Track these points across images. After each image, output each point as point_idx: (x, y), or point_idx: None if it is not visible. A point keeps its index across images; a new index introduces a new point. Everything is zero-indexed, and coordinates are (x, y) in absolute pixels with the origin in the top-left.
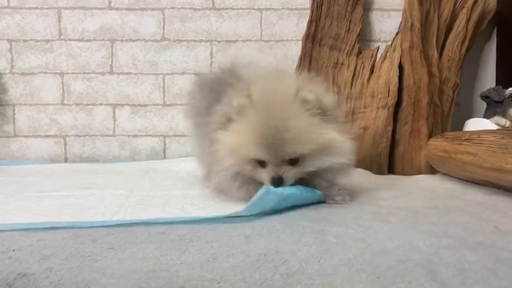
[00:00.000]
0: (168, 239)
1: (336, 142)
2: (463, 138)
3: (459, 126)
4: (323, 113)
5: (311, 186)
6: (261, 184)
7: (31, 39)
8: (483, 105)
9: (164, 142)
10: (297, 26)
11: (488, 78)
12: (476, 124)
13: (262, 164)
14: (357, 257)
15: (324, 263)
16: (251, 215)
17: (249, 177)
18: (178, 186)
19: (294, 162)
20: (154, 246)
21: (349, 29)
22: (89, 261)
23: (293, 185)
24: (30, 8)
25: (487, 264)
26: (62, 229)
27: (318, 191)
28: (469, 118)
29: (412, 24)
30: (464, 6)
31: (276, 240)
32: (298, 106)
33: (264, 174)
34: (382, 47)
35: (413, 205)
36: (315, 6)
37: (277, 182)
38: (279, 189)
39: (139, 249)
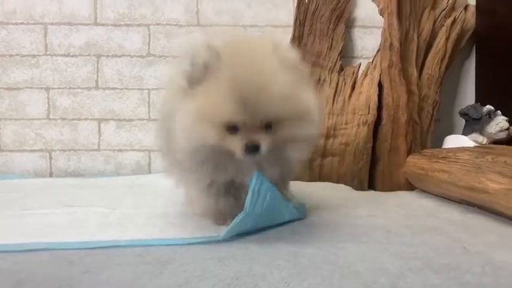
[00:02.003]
0: (144, 261)
1: (313, 109)
2: (440, 156)
3: (440, 141)
4: (300, 73)
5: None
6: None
7: (17, 54)
8: (463, 121)
9: (149, 157)
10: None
11: (468, 95)
12: (454, 141)
13: (233, 130)
14: (325, 281)
15: (293, 287)
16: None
17: (216, 153)
18: (160, 204)
19: (268, 127)
20: (130, 269)
21: (331, 46)
22: (64, 286)
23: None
24: (16, 24)
25: (450, 287)
26: (40, 251)
27: (298, 208)
28: (450, 134)
29: (391, 44)
30: (443, 25)
31: (249, 263)
32: (276, 62)
33: (236, 142)
34: (364, 63)
35: (388, 224)
36: (298, 23)
37: (252, 150)
38: (257, 208)
39: (114, 273)
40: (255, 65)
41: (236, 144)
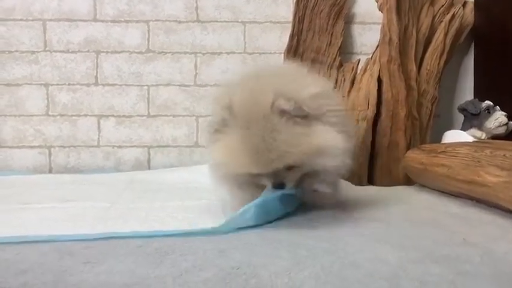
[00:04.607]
0: (144, 252)
1: (327, 145)
2: (439, 151)
3: (439, 137)
4: (305, 116)
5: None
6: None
7: (16, 51)
8: (462, 117)
9: (148, 153)
10: (279, 39)
11: (466, 90)
12: (453, 136)
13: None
14: (325, 270)
15: (294, 276)
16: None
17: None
18: (159, 198)
19: (288, 168)
20: (130, 260)
21: (330, 42)
22: (64, 276)
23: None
24: (15, 20)
25: (448, 276)
26: (40, 243)
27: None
28: (449, 129)
29: (390, 39)
30: (442, 21)
31: (250, 254)
32: (276, 117)
33: (263, 181)
34: (363, 59)
35: (388, 217)
36: (297, 20)
37: (279, 187)
38: (260, 203)
39: (115, 263)
40: (257, 123)
41: (264, 182)
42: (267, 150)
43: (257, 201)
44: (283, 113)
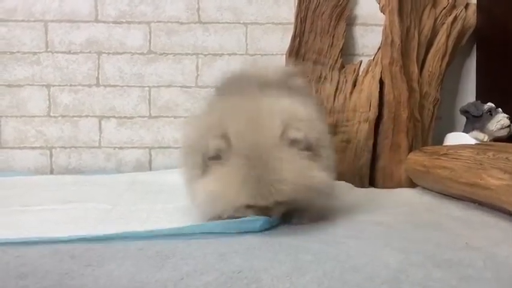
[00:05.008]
0: (145, 255)
1: (324, 185)
2: (441, 153)
3: (441, 139)
4: (310, 150)
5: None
6: None
7: (18, 52)
8: (464, 119)
9: (150, 154)
10: (281, 41)
11: (468, 92)
12: (455, 138)
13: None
14: (327, 274)
15: (295, 281)
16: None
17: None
18: (160, 200)
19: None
20: (131, 263)
21: (332, 43)
22: (65, 279)
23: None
24: (16, 21)
25: (451, 281)
26: (41, 244)
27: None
28: (451, 131)
29: (392, 41)
30: (444, 23)
31: (251, 257)
32: (284, 147)
33: (250, 213)
34: (365, 61)
35: (390, 220)
36: (299, 21)
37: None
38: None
39: (116, 266)
40: (260, 153)
41: (249, 213)
42: (268, 184)
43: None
44: (293, 142)
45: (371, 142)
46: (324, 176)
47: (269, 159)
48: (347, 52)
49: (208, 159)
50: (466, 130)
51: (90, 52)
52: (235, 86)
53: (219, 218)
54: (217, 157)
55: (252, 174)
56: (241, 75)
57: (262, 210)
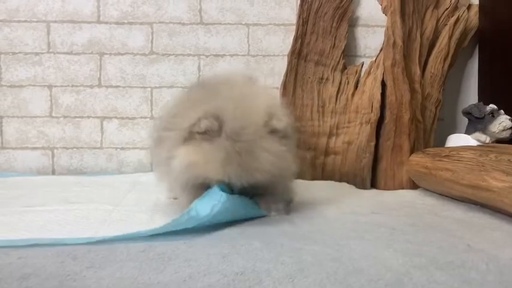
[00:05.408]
0: (147, 257)
1: (291, 166)
2: (443, 155)
3: (443, 140)
4: (285, 137)
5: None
6: None
7: (20, 52)
8: (466, 120)
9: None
10: (283, 42)
11: (470, 94)
12: (457, 140)
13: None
14: (329, 277)
15: (298, 283)
16: (231, 233)
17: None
18: (162, 201)
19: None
20: (133, 265)
21: (334, 45)
22: (68, 281)
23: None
24: (19, 21)
25: (454, 284)
26: (43, 246)
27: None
28: (453, 133)
29: (394, 42)
30: (446, 24)
31: (253, 259)
32: (267, 133)
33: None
34: (367, 62)
35: (392, 222)
36: (301, 22)
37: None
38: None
39: (118, 268)
40: (245, 137)
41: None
42: (247, 167)
43: (223, 198)
44: (275, 131)
45: (373, 143)
46: (293, 160)
47: (253, 148)
48: (349, 53)
49: (196, 133)
50: (468, 132)
51: (92, 53)
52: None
53: (187, 183)
54: (204, 133)
55: (234, 158)
56: (205, 81)
57: (238, 189)
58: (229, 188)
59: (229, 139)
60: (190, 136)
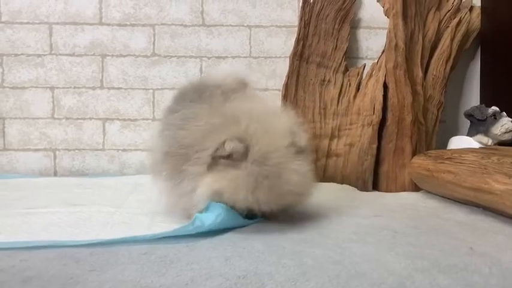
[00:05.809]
0: (149, 260)
1: (314, 184)
2: (445, 157)
3: (445, 143)
4: (304, 153)
5: None
6: None
7: (22, 54)
8: (468, 122)
9: None
10: (285, 43)
11: (472, 96)
12: (459, 142)
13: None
14: (332, 280)
15: (300, 286)
16: (233, 236)
17: None
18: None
19: None
20: (135, 268)
21: (336, 46)
22: (70, 284)
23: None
24: (21, 23)
25: None
26: (46, 248)
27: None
28: (455, 135)
29: (396, 45)
30: (448, 26)
31: (255, 262)
32: (291, 154)
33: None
34: (369, 64)
35: (394, 224)
36: (303, 24)
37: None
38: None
39: (120, 271)
40: (273, 160)
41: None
42: (281, 186)
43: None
44: (299, 151)
45: (375, 146)
46: (313, 179)
47: (281, 171)
48: (351, 55)
49: (219, 157)
50: (470, 134)
51: (94, 54)
52: (197, 94)
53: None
54: (229, 157)
55: (264, 182)
56: (200, 84)
57: (251, 211)
58: (251, 214)
59: (256, 163)
60: (213, 162)
